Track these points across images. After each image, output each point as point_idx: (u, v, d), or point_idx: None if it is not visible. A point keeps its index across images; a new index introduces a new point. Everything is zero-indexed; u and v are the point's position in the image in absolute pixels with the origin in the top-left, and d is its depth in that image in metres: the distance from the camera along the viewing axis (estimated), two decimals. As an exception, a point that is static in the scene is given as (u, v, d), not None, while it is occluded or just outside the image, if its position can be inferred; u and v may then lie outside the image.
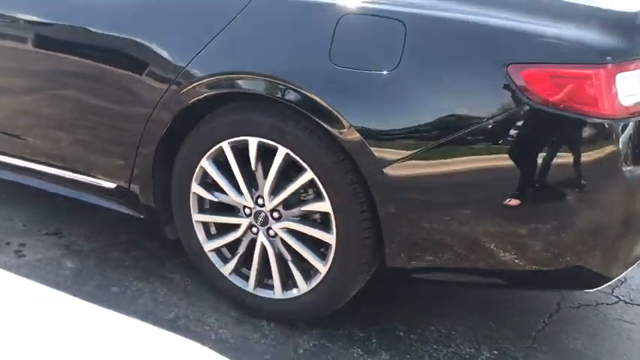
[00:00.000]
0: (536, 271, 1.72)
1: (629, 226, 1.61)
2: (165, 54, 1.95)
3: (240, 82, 1.85)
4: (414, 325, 2.07)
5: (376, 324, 2.06)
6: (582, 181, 1.56)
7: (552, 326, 2.13)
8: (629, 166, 1.57)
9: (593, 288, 1.73)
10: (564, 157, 1.56)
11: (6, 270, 2.27)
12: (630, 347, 2.05)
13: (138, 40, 1.99)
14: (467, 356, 1.94)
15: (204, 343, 1.93)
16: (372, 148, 1.68)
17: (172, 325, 2.00)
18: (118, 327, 1.98)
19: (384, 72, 1.66)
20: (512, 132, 1.60)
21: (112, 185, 2.21)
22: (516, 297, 2.30)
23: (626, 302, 2.29)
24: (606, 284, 1.71)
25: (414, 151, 1.66)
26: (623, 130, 1.56)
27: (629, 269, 1.73)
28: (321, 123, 1.73)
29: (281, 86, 1.76)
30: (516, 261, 1.70)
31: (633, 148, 1.60)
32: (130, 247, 2.46)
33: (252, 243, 1.99)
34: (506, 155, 1.59)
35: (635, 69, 1.55)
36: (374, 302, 2.14)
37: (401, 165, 1.67)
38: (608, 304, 2.28)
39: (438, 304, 2.21)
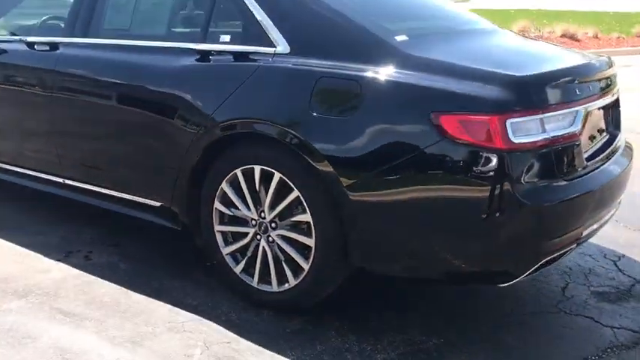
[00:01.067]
0: (466, 271, 2.28)
1: (515, 230, 2.15)
2: (198, 106, 2.66)
3: (247, 125, 2.52)
4: (382, 318, 2.62)
5: (350, 315, 2.62)
6: (481, 190, 2.12)
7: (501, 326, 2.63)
8: (527, 182, 2.13)
9: (505, 283, 2.27)
10: (469, 177, 2.13)
11: (78, 269, 2.98)
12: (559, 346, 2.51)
13: (180, 95, 2.71)
14: (418, 342, 2.47)
15: (217, 323, 2.54)
16: (338, 175, 2.30)
17: (195, 310, 2.64)
18: (155, 308, 2.63)
19: (346, 118, 2.30)
20: (434, 159, 2.18)
21: (157, 204, 2.90)
22: (479, 302, 2.81)
23: (566, 312, 2.76)
24: (516, 280, 2.24)
25: (368, 174, 2.27)
26: (522, 159, 2.12)
27: (533, 269, 2.25)
28: (303, 155, 2.37)
29: (275, 128, 2.43)
30: (448, 262, 2.27)
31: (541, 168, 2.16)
32: (169, 255, 3.14)
33: (257, 247, 2.62)
34: (431, 175, 2.18)
35: (520, 116, 2.12)
36: (355, 299, 2.71)
37: (358, 186, 2.28)
38: (551, 313, 2.75)
39: (410, 306, 2.75)
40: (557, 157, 2.23)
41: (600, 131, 2.73)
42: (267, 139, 2.49)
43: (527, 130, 2.15)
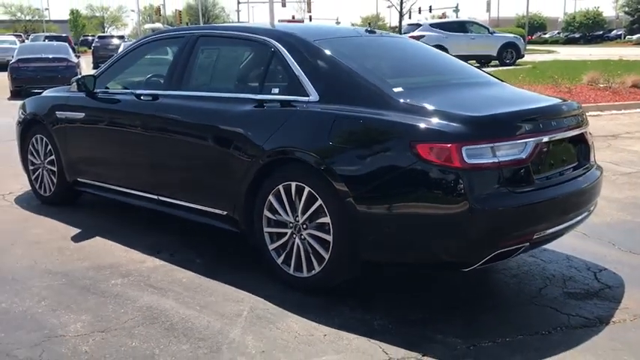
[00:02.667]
0: (442, 260, 3.10)
1: (466, 225, 2.94)
2: (254, 140, 3.64)
3: (285, 153, 3.48)
4: (383, 299, 3.45)
5: (360, 296, 3.46)
6: (445, 197, 2.95)
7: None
8: (479, 192, 2.93)
9: (466, 269, 3.06)
10: (437, 188, 2.97)
11: (164, 261, 4.00)
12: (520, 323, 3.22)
13: (242, 133, 3.71)
14: (408, 315, 3.27)
15: (262, 297, 3.45)
16: (348, 190, 3.19)
17: (247, 288, 3.55)
18: (218, 287, 3.59)
19: (353, 147, 3.21)
20: (413, 175, 3.03)
21: (223, 213, 3.89)
22: (467, 293, 3.57)
23: (535, 304, 3.46)
24: (472, 267, 3.03)
25: (367, 189, 3.15)
26: (474, 175, 2.94)
27: (485, 259, 3.03)
28: (324, 174, 3.28)
29: (305, 154, 3.36)
30: (429, 253, 3.10)
31: (491, 182, 2.97)
32: (232, 253, 4.10)
33: (293, 243, 3.53)
34: (411, 188, 3.04)
35: (473, 145, 2.95)
36: (366, 287, 3.55)
37: (361, 199, 3.15)
38: (523, 304, 3.47)
39: (407, 292, 3.56)
40: (505, 175, 3.02)
41: (566, 158, 3.48)
42: (299, 163, 3.43)
43: (479, 155, 2.97)
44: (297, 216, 3.47)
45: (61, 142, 5.10)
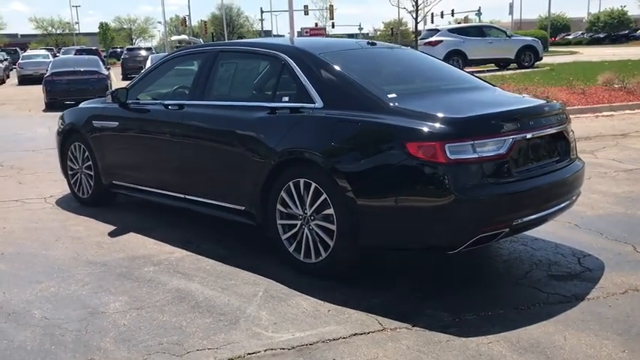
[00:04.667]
0: (431, 244, 3.54)
1: (451, 212, 3.37)
2: (267, 143, 4.11)
3: (294, 153, 3.94)
4: (383, 282, 3.88)
5: (364, 280, 3.90)
6: (432, 189, 3.39)
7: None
8: (460, 183, 3.36)
9: (452, 251, 3.49)
10: (423, 179, 3.41)
11: (191, 252, 4.50)
12: (502, 299, 3.63)
13: (257, 137, 4.19)
14: (402, 293, 3.70)
15: (276, 280, 3.91)
16: (349, 184, 3.64)
17: (263, 273, 4.02)
18: (238, 272, 4.06)
19: (352, 147, 3.67)
20: (404, 170, 3.48)
21: (242, 208, 4.37)
22: (460, 274, 3.99)
23: (520, 284, 3.87)
24: (457, 250, 3.46)
25: (365, 184, 3.60)
26: (456, 169, 3.37)
27: (469, 243, 3.45)
28: (327, 170, 3.74)
29: (311, 154, 3.83)
30: (422, 238, 3.54)
31: (472, 175, 3.40)
32: (251, 244, 4.57)
33: (302, 233, 3.99)
34: (403, 181, 3.48)
35: (455, 142, 3.38)
36: (369, 274, 4.00)
37: (360, 192, 3.60)
38: (508, 284, 3.87)
39: (405, 275, 3.99)
40: (486, 168, 3.45)
41: (546, 153, 3.89)
42: (307, 162, 3.89)
43: (461, 151, 3.40)
44: (306, 209, 3.93)
45: (97, 149, 5.65)
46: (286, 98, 4.19)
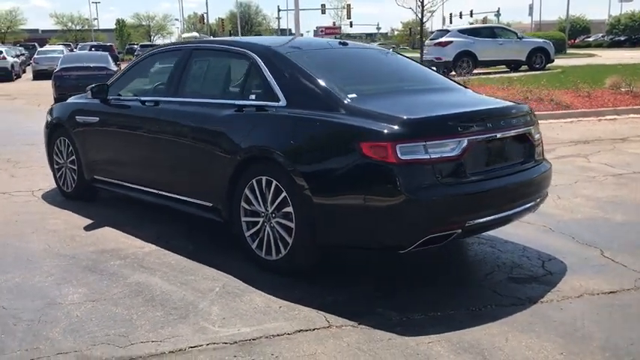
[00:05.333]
0: (385, 243, 3.55)
1: (400, 212, 3.39)
2: (232, 139, 4.16)
3: (256, 150, 3.98)
4: (343, 281, 3.91)
5: (322, 278, 3.94)
6: (383, 188, 3.41)
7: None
8: (411, 184, 3.37)
9: (402, 251, 3.51)
10: (375, 179, 3.43)
11: (160, 247, 4.56)
12: (458, 299, 3.63)
13: (225, 133, 4.23)
14: (355, 289, 3.73)
15: (236, 277, 3.95)
16: (306, 183, 3.67)
17: (225, 269, 4.06)
18: (200, 268, 4.11)
19: (310, 145, 3.70)
20: (358, 170, 3.50)
21: (209, 204, 4.42)
22: (426, 275, 4.01)
23: (479, 286, 3.87)
24: (407, 250, 3.47)
25: (321, 183, 3.63)
26: (407, 169, 3.39)
27: (418, 243, 3.46)
28: (287, 170, 3.77)
29: (272, 152, 3.87)
30: (375, 237, 3.56)
31: (423, 176, 3.41)
32: (218, 240, 4.62)
33: (264, 231, 4.03)
34: (357, 180, 3.51)
35: (406, 143, 3.39)
36: (328, 273, 4.03)
37: (316, 191, 3.63)
38: (468, 285, 3.88)
39: (366, 274, 4.02)
40: (437, 169, 3.46)
41: (508, 155, 3.89)
42: (268, 160, 3.93)
43: (412, 152, 3.42)
44: (268, 206, 3.97)
45: (79, 144, 5.74)
46: (253, 96, 4.24)
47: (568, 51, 39.73)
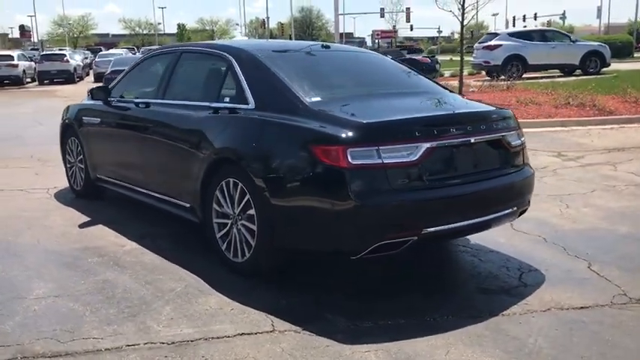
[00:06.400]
0: (339, 248, 3.50)
1: (351, 217, 3.32)
2: (207, 141, 4.19)
3: (225, 152, 4.00)
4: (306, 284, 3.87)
5: (284, 279, 3.91)
6: (334, 193, 3.35)
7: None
8: (362, 188, 3.31)
9: (354, 257, 3.44)
10: (327, 183, 3.38)
11: (141, 246, 4.64)
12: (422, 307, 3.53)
13: (202, 132, 4.26)
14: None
15: (203, 279, 3.98)
16: (265, 187, 3.66)
17: (195, 271, 4.10)
18: (170, 267, 4.16)
19: (268, 148, 3.69)
20: (312, 173, 3.46)
21: (187, 205, 4.47)
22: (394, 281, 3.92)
23: (447, 293, 3.75)
24: (359, 256, 3.40)
25: (277, 185, 3.61)
26: (358, 174, 3.33)
27: (369, 249, 3.38)
28: (249, 172, 3.77)
29: (238, 154, 3.87)
30: (327, 241, 3.51)
31: (375, 181, 3.34)
32: (197, 241, 4.67)
33: (232, 233, 4.04)
34: (310, 184, 3.47)
35: (357, 147, 3.33)
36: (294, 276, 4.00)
37: (273, 193, 3.61)
38: (436, 293, 3.77)
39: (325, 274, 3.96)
40: (391, 174, 3.37)
41: (477, 161, 3.76)
42: (234, 162, 3.94)
43: (364, 156, 3.34)
44: (235, 208, 3.98)
45: (85, 143, 5.93)
46: (227, 99, 4.26)
47: (635, 54, 38.01)
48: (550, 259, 4.35)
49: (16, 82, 28.64)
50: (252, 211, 3.82)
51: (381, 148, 3.37)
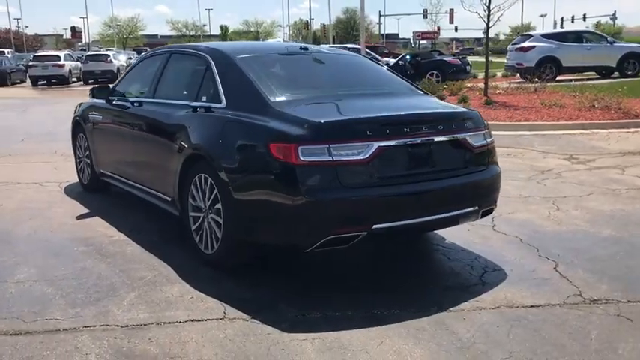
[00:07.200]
0: (293, 242, 3.66)
1: (300, 212, 3.47)
2: (184, 137, 4.39)
3: (197, 148, 4.20)
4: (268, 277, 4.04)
5: (247, 274, 4.08)
6: (286, 188, 3.51)
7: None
8: (311, 184, 3.46)
9: (305, 250, 3.59)
10: (280, 179, 3.54)
11: (129, 237, 4.88)
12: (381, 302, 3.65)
13: (183, 128, 4.46)
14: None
15: (174, 269, 4.19)
16: (229, 182, 3.84)
17: (172, 263, 4.31)
18: (149, 258, 4.38)
19: (231, 144, 3.87)
20: (267, 170, 3.63)
21: (169, 198, 4.69)
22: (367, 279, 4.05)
23: (408, 291, 3.85)
24: (309, 249, 3.55)
25: (237, 180, 3.79)
26: (307, 170, 3.47)
27: (319, 243, 3.52)
28: (215, 168, 3.96)
29: (206, 151, 4.07)
30: (283, 235, 3.67)
31: (325, 177, 3.48)
32: (177, 232, 4.88)
33: (204, 226, 4.24)
34: (266, 179, 3.64)
35: (308, 145, 3.47)
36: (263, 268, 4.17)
37: (235, 188, 3.80)
38: (397, 291, 3.87)
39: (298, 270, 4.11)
40: (341, 172, 3.51)
41: (436, 161, 3.86)
42: (204, 158, 4.13)
43: (314, 154, 3.49)
44: (206, 202, 4.17)
45: (90, 139, 6.24)
46: (205, 98, 4.47)
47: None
48: (519, 259, 4.40)
49: (63, 81, 29.79)
50: (219, 205, 4.00)
51: (332, 146, 3.51)
